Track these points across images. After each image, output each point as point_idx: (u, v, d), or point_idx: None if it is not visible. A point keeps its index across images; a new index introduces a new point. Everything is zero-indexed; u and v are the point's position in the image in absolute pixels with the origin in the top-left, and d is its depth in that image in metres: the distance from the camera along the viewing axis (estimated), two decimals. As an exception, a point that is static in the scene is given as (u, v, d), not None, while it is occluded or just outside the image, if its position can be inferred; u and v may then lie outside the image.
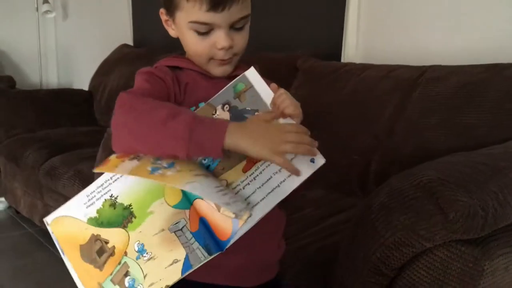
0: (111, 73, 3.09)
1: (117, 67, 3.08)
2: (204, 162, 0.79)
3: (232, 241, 0.73)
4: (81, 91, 3.24)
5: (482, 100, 1.42)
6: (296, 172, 0.75)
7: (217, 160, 0.78)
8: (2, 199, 2.83)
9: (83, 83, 3.50)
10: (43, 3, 3.72)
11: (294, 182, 0.76)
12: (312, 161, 0.77)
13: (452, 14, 1.76)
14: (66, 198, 2.11)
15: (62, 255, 0.79)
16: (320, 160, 0.77)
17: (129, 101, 0.76)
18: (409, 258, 0.91)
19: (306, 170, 0.76)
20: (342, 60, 2.13)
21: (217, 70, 0.87)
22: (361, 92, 1.76)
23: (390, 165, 1.56)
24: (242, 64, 0.92)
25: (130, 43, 3.43)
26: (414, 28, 1.88)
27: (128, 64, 3.00)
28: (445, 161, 1.00)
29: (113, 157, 0.77)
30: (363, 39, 2.07)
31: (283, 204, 0.91)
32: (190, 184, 0.69)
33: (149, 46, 3.20)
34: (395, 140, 1.58)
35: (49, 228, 0.81)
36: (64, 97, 3.05)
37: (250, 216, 0.73)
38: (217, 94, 0.83)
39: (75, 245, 0.78)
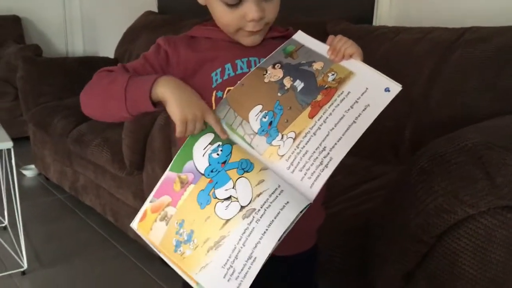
0: (136, 40, 3.06)
1: (142, 35, 3.05)
2: (264, 120, 0.77)
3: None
4: (107, 59, 3.23)
5: (527, 61, 1.34)
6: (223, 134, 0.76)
7: (278, 115, 0.76)
8: (32, 166, 2.87)
9: (108, 51, 3.49)
10: (68, -30, 3.69)
11: (371, 116, 0.72)
12: (387, 90, 0.74)
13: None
14: (95, 165, 2.14)
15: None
16: (396, 87, 0.75)
17: (95, 77, 0.84)
18: (450, 225, 0.87)
19: (383, 99, 0.74)
20: (374, 23, 2.05)
21: (247, 40, 0.83)
22: (395, 56, 1.69)
23: (425, 131, 1.50)
24: (275, 26, 0.88)
25: (155, 9, 3.38)
26: (452, -13, 1.79)
27: (153, 31, 2.97)
28: (490, 125, 0.95)
29: (148, 209, 0.79)
30: (397, 1, 1.98)
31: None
32: (202, 271, 0.71)
33: (173, 12, 3.15)
34: (431, 105, 1.52)
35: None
36: (91, 64, 3.04)
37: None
38: (266, 58, 0.82)
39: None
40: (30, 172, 2.89)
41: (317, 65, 0.79)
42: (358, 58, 0.79)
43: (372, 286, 1.02)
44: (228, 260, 0.69)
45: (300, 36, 0.83)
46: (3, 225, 2.19)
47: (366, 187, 1.37)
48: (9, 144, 1.74)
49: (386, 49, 1.73)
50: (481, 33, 1.51)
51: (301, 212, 0.70)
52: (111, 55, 3.29)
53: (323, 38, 2.10)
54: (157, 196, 0.79)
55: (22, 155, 2.96)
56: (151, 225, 0.78)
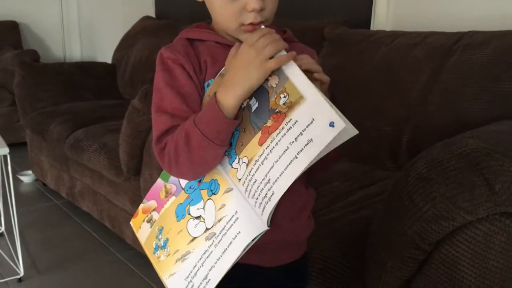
0: (134, 45, 3.06)
1: (140, 40, 3.04)
2: None
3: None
4: (104, 64, 3.23)
5: (525, 66, 1.34)
6: (290, 57, 0.70)
7: (236, 136, 0.74)
8: (30, 172, 2.86)
9: (106, 56, 3.49)
10: (65, -25, 3.69)
11: (312, 153, 0.65)
12: (332, 125, 0.65)
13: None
14: (91, 171, 2.13)
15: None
16: (340, 123, 0.64)
17: (160, 154, 0.78)
18: (449, 232, 0.86)
19: (325, 136, 0.65)
20: (372, 28, 2.05)
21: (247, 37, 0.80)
22: (392, 61, 1.69)
23: (423, 136, 1.50)
24: (273, 28, 0.86)
25: (152, 15, 3.38)
26: (449, -8, 1.79)
27: (151, 36, 2.97)
28: (488, 130, 0.94)
29: (140, 208, 0.88)
30: (394, 5, 1.98)
31: (310, 180, 0.87)
32: (171, 277, 0.78)
33: (171, 17, 3.15)
34: (429, 110, 1.51)
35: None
36: (88, 70, 3.04)
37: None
38: None
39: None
40: (27, 178, 2.88)
41: (272, 81, 0.72)
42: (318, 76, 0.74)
43: (370, 294, 1.01)
44: (189, 274, 0.75)
45: None
46: (0, 231, 2.17)
47: (364, 193, 1.36)
48: (5, 151, 1.73)
49: (383, 54, 1.72)
50: (479, 37, 1.51)
51: (253, 240, 0.71)
52: (108, 60, 3.28)
53: (321, 44, 2.08)
54: (148, 198, 0.87)
55: (19, 161, 2.94)
56: (140, 224, 0.87)
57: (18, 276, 1.82)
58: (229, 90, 0.71)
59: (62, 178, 2.46)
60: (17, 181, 2.83)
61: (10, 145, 1.76)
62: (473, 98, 1.42)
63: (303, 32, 2.06)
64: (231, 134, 0.74)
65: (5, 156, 1.77)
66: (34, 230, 2.26)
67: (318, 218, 0.95)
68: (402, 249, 0.90)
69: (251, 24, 0.77)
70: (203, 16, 0.87)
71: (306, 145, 0.66)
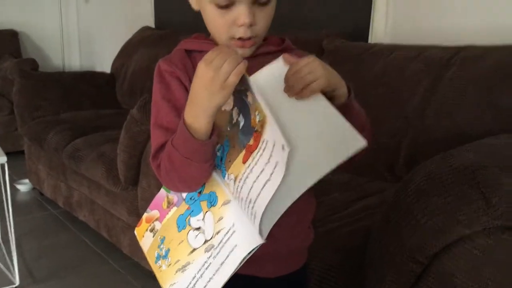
0: (133, 55, 3.07)
1: (139, 50, 3.06)
2: (218, 154, 0.76)
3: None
4: (103, 73, 3.23)
5: (522, 80, 1.35)
6: (245, 65, 0.67)
7: (226, 152, 0.74)
8: (27, 180, 2.85)
9: (105, 66, 3.50)
10: (65, -15, 3.71)
11: (279, 177, 0.64)
12: (283, 147, 0.63)
13: (488, -9, 1.68)
14: (89, 180, 2.12)
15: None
16: (286, 149, 0.62)
17: (157, 170, 0.80)
18: (445, 245, 0.86)
19: (281, 159, 0.63)
20: (370, 41, 2.07)
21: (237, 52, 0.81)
22: (390, 73, 1.70)
23: (421, 149, 1.50)
24: (272, 37, 0.86)
25: (152, 25, 3.40)
26: (447, 6, 1.81)
27: (150, 46, 2.98)
28: (485, 144, 0.95)
29: (144, 217, 0.88)
30: (392, 18, 2.00)
31: (311, 189, 0.87)
32: (171, 287, 0.79)
33: (170, 28, 3.17)
34: (427, 123, 1.52)
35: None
36: (87, 79, 3.04)
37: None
38: None
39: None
40: (24, 186, 2.87)
41: (249, 97, 0.70)
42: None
43: (367, 306, 1.01)
44: (188, 285, 0.76)
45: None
46: (-4, 240, 2.17)
47: (361, 205, 1.36)
48: (2, 159, 1.73)
49: (381, 67, 1.73)
50: (476, 51, 1.52)
51: (249, 253, 0.71)
52: (107, 69, 3.29)
53: (319, 56, 2.10)
54: (151, 208, 0.88)
55: (17, 169, 2.94)
56: (144, 233, 0.88)
57: (14, 286, 1.81)
58: (195, 112, 0.70)
59: (59, 187, 2.46)
60: (14, 189, 2.82)
61: (7, 154, 1.77)
62: (470, 111, 1.43)
63: (301, 44, 2.06)
64: (210, 151, 0.73)
65: (2, 165, 1.77)
66: (31, 239, 2.25)
67: (316, 228, 0.95)
68: (400, 261, 0.91)
69: (240, 39, 0.77)
70: (202, 27, 0.88)
71: (274, 167, 0.65)
